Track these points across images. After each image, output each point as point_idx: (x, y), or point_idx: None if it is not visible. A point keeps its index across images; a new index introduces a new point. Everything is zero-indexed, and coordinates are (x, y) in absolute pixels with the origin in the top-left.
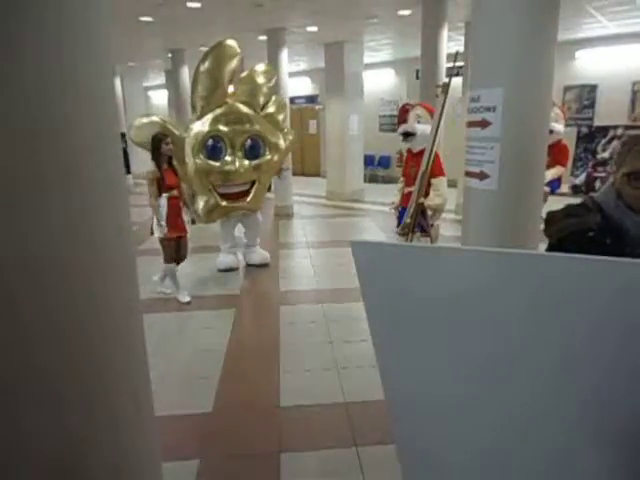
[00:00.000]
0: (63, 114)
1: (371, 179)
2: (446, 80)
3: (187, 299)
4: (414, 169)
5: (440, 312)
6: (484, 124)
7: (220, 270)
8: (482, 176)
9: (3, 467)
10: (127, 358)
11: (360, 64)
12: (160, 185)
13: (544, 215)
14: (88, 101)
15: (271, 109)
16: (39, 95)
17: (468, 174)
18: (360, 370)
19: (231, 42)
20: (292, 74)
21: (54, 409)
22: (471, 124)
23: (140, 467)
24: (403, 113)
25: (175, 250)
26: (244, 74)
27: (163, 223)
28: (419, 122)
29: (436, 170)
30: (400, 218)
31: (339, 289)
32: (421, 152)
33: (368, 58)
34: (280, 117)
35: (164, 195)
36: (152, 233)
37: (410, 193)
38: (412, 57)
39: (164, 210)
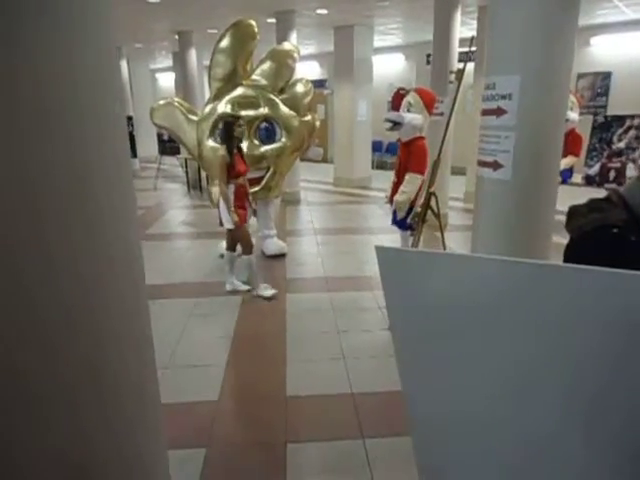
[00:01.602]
0: (67, 99)
1: (379, 166)
2: (460, 66)
3: (271, 292)
4: (398, 161)
5: (463, 321)
6: (499, 112)
7: (221, 256)
8: (496, 166)
9: (19, 465)
10: (135, 349)
11: (370, 48)
12: (229, 171)
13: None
14: (91, 85)
15: (299, 89)
16: (39, 79)
17: (481, 163)
18: (368, 360)
19: (250, 21)
20: (301, 58)
21: (66, 405)
22: (485, 112)
23: (147, 457)
24: (397, 99)
25: (228, 238)
26: (265, 54)
27: (231, 212)
28: (409, 110)
29: (413, 165)
30: (394, 212)
31: (347, 277)
32: (410, 142)
33: (378, 42)
34: (305, 100)
35: (232, 183)
36: (221, 224)
37: (394, 184)
38: (423, 41)
39: (232, 199)
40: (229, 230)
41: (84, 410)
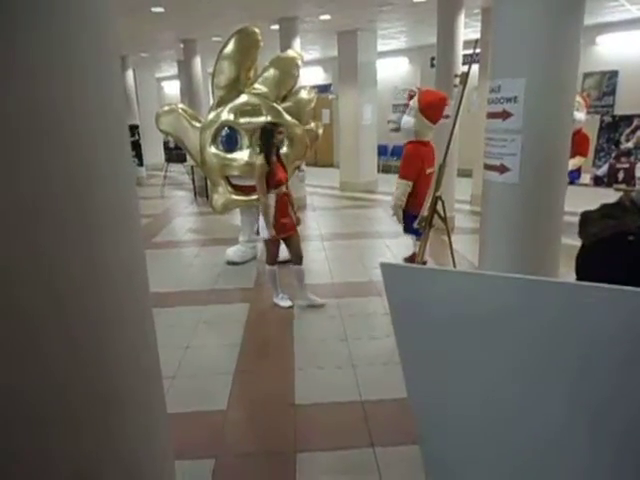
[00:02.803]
0: (69, 108)
1: (385, 169)
2: (464, 69)
3: (288, 303)
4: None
5: (468, 336)
6: (505, 115)
7: (228, 263)
8: (502, 169)
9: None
10: (139, 360)
11: (374, 52)
12: (268, 180)
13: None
14: (95, 94)
15: (303, 96)
16: (43, 89)
17: (487, 167)
18: (376, 367)
19: (253, 28)
20: (305, 63)
21: (68, 417)
22: (491, 115)
23: (153, 470)
24: (409, 99)
25: (289, 248)
26: (268, 62)
27: (270, 223)
28: (408, 113)
29: (400, 170)
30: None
31: (354, 283)
32: (406, 147)
33: (382, 46)
34: (308, 108)
35: (273, 192)
36: (257, 233)
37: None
38: (427, 45)
39: (272, 210)
40: (265, 241)
41: (87, 423)
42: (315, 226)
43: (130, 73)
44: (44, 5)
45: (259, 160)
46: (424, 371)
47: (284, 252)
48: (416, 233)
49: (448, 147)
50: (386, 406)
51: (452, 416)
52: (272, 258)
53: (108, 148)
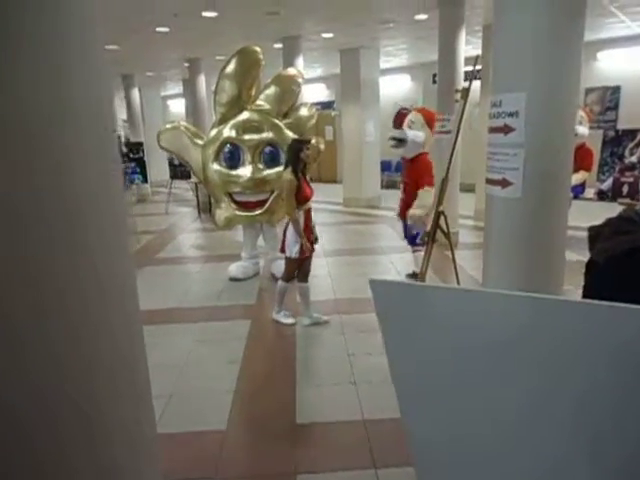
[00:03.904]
0: (57, 113)
1: (388, 185)
2: (465, 85)
3: (291, 320)
4: (403, 177)
5: (461, 355)
6: (506, 130)
7: (230, 279)
8: (504, 184)
9: None
10: (126, 379)
11: (376, 69)
12: (297, 196)
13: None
14: (83, 99)
15: (303, 112)
16: (31, 91)
17: (490, 182)
18: (379, 385)
19: (255, 48)
20: (307, 80)
21: (50, 433)
22: (493, 130)
23: None
24: (399, 118)
25: (299, 267)
26: (270, 79)
27: (302, 241)
28: (410, 128)
29: (425, 179)
30: (405, 229)
31: (357, 299)
32: (414, 159)
33: (384, 63)
34: (309, 124)
35: (300, 208)
36: (282, 251)
37: (401, 201)
38: (428, 62)
39: (302, 227)
40: (287, 258)
41: (70, 447)
42: (318, 242)
43: (136, 92)
44: (34, 8)
45: (288, 176)
46: (417, 392)
47: (283, 267)
48: (413, 242)
49: (450, 162)
50: (389, 426)
51: (445, 438)
52: (290, 276)
53: (96, 153)
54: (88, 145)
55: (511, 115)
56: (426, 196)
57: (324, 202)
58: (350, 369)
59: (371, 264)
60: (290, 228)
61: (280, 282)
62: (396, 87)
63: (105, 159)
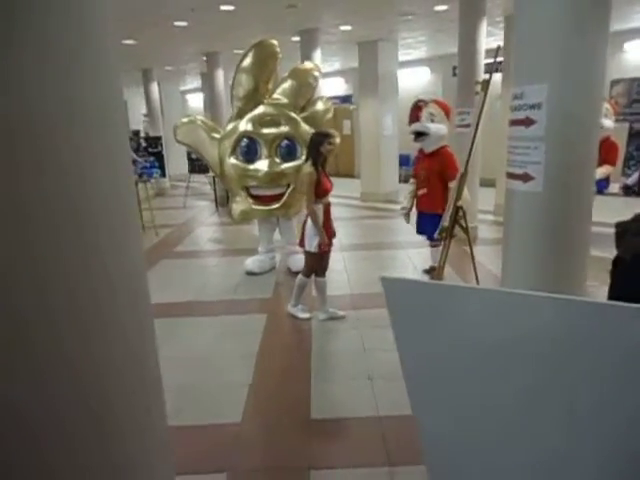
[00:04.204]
0: (64, 111)
1: (406, 179)
2: (486, 77)
3: (307, 315)
4: (422, 172)
5: (473, 355)
6: (528, 122)
7: (247, 273)
8: (526, 178)
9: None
10: (137, 375)
11: (394, 62)
12: (316, 190)
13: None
14: (91, 97)
15: (319, 107)
16: (38, 90)
17: (510, 176)
18: (395, 382)
19: (271, 41)
20: (325, 74)
21: (60, 430)
22: (514, 122)
23: None
24: (415, 110)
25: (320, 262)
26: (287, 73)
27: (320, 234)
28: (432, 121)
29: (453, 171)
30: (421, 224)
31: (373, 294)
32: (434, 153)
33: (403, 56)
34: (326, 118)
35: (320, 202)
36: (302, 245)
37: (424, 196)
38: (448, 54)
39: (321, 220)
40: (307, 253)
41: (81, 445)
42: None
43: (155, 86)
44: (41, 6)
45: (307, 168)
46: (427, 388)
47: (300, 261)
48: (429, 236)
49: (469, 156)
50: (404, 422)
51: (456, 433)
52: (311, 271)
53: (105, 152)
54: (98, 146)
55: (533, 107)
56: (460, 187)
57: (341, 196)
58: (366, 364)
59: (388, 259)
60: (309, 222)
61: (300, 276)
62: (415, 80)
63: (115, 159)
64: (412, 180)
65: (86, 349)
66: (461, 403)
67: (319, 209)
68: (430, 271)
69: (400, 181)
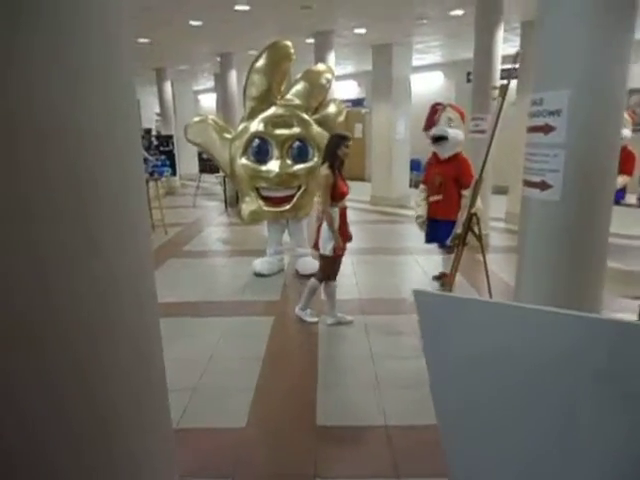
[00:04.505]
0: (73, 112)
1: (417, 184)
2: (504, 82)
3: (315, 319)
4: (438, 177)
5: (505, 372)
6: (547, 129)
7: (255, 274)
8: (543, 186)
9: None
10: (142, 377)
11: (408, 66)
12: (333, 193)
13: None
14: (101, 98)
15: (331, 109)
16: (46, 91)
17: (527, 184)
18: (403, 390)
19: (286, 42)
20: (338, 77)
21: (65, 430)
22: (532, 129)
23: None
24: (433, 114)
25: (333, 266)
26: (300, 74)
27: (335, 238)
28: (450, 126)
29: (469, 178)
30: (434, 231)
31: (382, 299)
32: (450, 159)
33: (416, 61)
34: (338, 120)
35: (336, 205)
36: (316, 248)
37: (437, 202)
38: (462, 59)
39: (337, 224)
40: (322, 256)
41: (85, 438)
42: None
43: (168, 85)
44: (49, 6)
45: (324, 171)
46: (456, 404)
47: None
48: (442, 243)
49: (485, 162)
50: (412, 433)
51: (482, 446)
52: (325, 275)
53: (115, 153)
54: (108, 149)
55: (552, 114)
56: (470, 195)
57: (351, 200)
58: (373, 371)
59: (398, 264)
60: (325, 225)
61: (313, 280)
62: (428, 85)
63: (125, 160)
64: (423, 187)
65: (93, 349)
66: (489, 417)
67: (335, 212)
68: (440, 277)
69: (411, 186)
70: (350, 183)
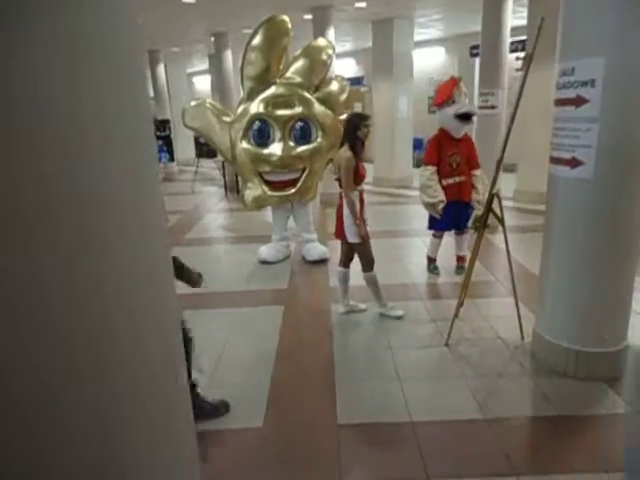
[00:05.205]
0: (76, 110)
1: (420, 164)
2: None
3: (399, 312)
4: (456, 157)
5: None
6: (579, 102)
7: (260, 261)
8: (574, 163)
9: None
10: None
11: (410, 42)
12: (354, 176)
13: None
14: (109, 94)
15: (333, 87)
16: (46, 89)
17: (555, 161)
18: (426, 382)
19: (283, 17)
20: (337, 55)
21: (62, 430)
22: (561, 102)
23: None
24: (451, 88)
25: (346, 253)
26: (299, 51)
27: (358, 223)
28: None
29: (477, 160)
30: (454, 216)
31: (393, 285)
32: (462, 139)
33: (417, 36)
34: (341, 98)
35: (356, 190)
36: (338, 236)
37: (454, 185)
38: (464, 33)
39: (358, 208)
40: (348, 244)
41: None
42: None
43: (162, 68)
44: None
45: (346, 153)
46: None
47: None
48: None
49: (507, 140)
50: (440, 429)
51: None
52: (371, 260)
53: (122, 157)
54: (116, 151)
55: (585, 84)
56: (483, 177)
57: None
58: (393, 363)
59: (405, 247)
60: (346, 211)
61: (365, 274)
62: (429, 61)
63: (135, 160)
64: (433, 168)
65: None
66: None
67: (355, 196)
68: (432, 261)
69: (414, 166)
70: None
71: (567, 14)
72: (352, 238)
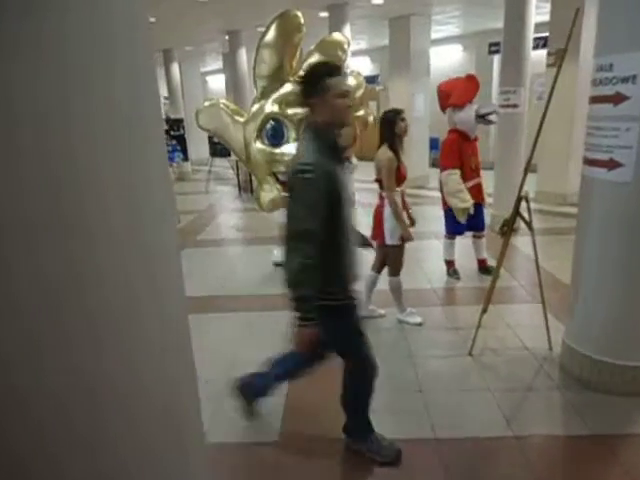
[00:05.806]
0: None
1: (436, 164)
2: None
3: (418, 319)
4: (474, 159)
5: None
6: (618, 99)
7: (275, 264)
8: (612, 165)
9: None
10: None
11: (427, 39)
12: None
13: None
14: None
15: (350, 81)
16: (50, 90)
17: (590, 162)
18: (450, 395)
19: (295, 12)
20: (352, 53)
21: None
22: (598, 100)
23: None
24: (473, 88)
25: (379, 256)
26: (313, 46)
27: (402, 225)
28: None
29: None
30: (473, 218)
31: (412, 290)
32: (475, 139)
33: (434, 33)
34: (357, 94)
35: (398, 190)
36: (374, 238)
37: (475, 187)
38: (483, 30)
39: (401, 210)
40: (384, 247)
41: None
42: (364, 223)
43: (176, 67)
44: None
45: (387, 153)
46: None
47: None
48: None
49: (536, 141)
50: (465, 447)
51: None
52: (399, 267)
53: (123, 166)
54: (120, 156)
55: (625, 81)
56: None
57: (367, 182)
58: (414, 373)
59: (422, 250)
60: (387, 213)
61: (391, 279)
62: (446, 58)
63: (151, 165)
64: (457, 171)
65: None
66: None
67: (397, 197)
68: (449, 263)
69: (430, 165)
70: (365, 164)
71: (604, 7)
72: (391, 240)
